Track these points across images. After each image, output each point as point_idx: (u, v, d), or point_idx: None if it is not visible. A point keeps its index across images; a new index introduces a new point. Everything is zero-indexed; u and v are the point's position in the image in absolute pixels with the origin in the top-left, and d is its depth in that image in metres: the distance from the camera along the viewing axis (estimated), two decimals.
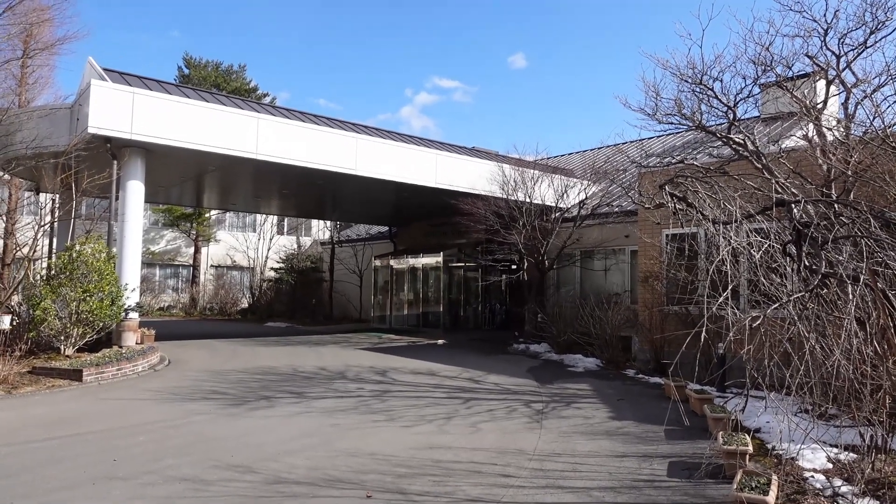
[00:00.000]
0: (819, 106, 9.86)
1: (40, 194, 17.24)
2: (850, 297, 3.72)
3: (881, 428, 4.78)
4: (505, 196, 16.61)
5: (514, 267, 19.79)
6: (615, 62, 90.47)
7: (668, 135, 19.71)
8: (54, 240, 16.12)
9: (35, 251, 12.25)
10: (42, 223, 12.35)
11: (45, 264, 13.95)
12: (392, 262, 24.00)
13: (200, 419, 7.58)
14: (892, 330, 3.71)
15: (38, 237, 12.13)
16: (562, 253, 16.60)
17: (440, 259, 21.68)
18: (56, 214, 14.31)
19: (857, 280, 3.83)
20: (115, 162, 12.63)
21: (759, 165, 8.29)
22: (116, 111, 11.99)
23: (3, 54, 17.40)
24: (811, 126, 9.57)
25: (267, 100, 36.29)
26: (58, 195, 14.71)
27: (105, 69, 13.06)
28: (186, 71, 36.42)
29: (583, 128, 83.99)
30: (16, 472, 5.33)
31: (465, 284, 22.81)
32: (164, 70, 66.76)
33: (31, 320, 10.98)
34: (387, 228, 27.13)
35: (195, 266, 32.21)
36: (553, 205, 17.11)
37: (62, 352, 11.17)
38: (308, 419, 7.62)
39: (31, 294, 11.23)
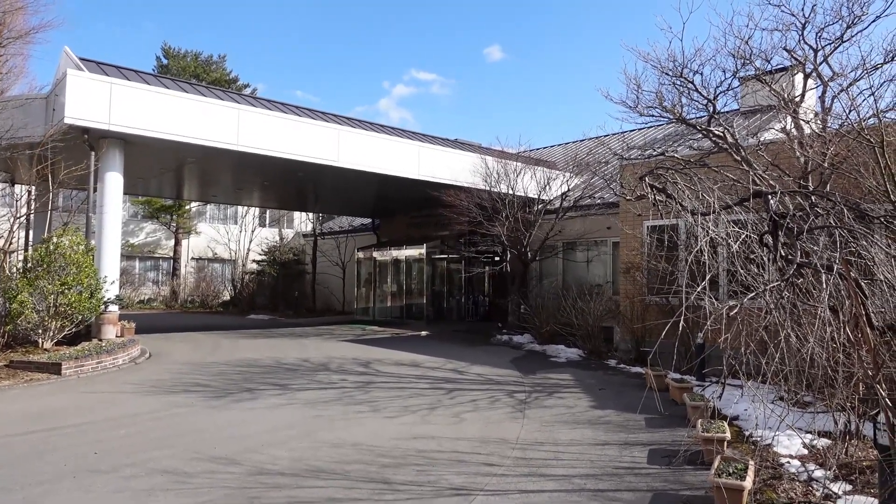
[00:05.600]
0: (797, 99, 10.01)
1: (16, 186, 16.91)
2: (825, 286, 3.80)
3: (854, 414, 4.89)
4: (488, 188, 16.65)
5: (497, 259, 19.85)
6: (595, 55, 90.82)
7: (649, 127, 19.80)
8: (31, 232, 15.86)
9: (11, 243, 12.04)
10: (18, 215, 12.14)
11: (21, 257, 13.72)
12: (375, 254, 23.95)
13: (182, 412, 7.54)
14: (865, 318, 3.80)
15: (14, 229, 11.93)
16: (544, 244, 16.69)
17: (423, 251, 21.68)
18: (32, 206, 14.06)
19: (831, 269, 3.91)
20: (93, 153, 12.44)
21: (739, 158, 8.40)
22: (93, 101, 11.80)
23: None
24: (789, 119, 9.70)
25: (247, 91, 35.90)
26: (34, 187, 14.44)
27: (82, 59, 12.83)
28: (165, 61, 35.88)
29: (564, 120, 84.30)
30: None
31: (448, 276, 22.85)
32: (141, 61, 65.64)
33: (8, 314, 10.81)
34: (370, 220, 27.05)
35: (176, 258, 31.86)
36: (536, 197, 17.18)
37: (40, 345, 11.02)
38: (291, 411, 7.62)
39: (8, 287, 11.05)
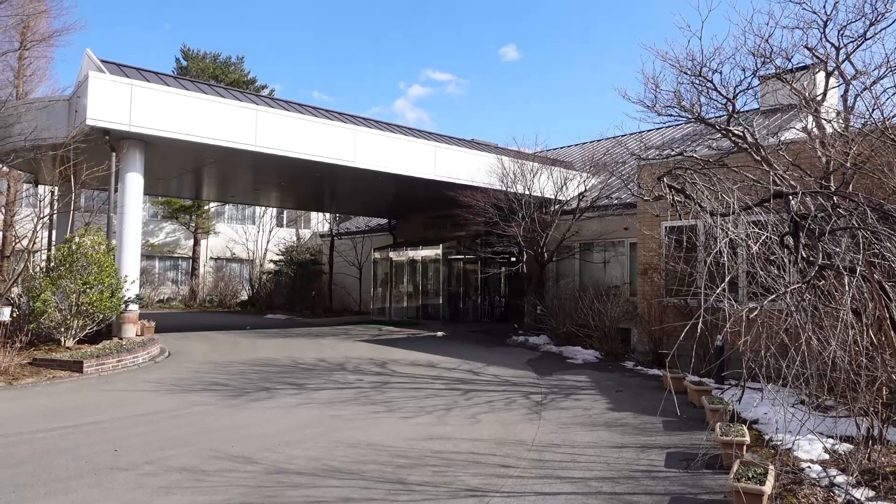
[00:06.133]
0: (818, 98, 9.84)
1: (39, 186, 17.22)
2: (847, 288, 3.74)
3: (877, 419, 4.81)
4: (504, 188, 16.60)
5: (513, 259, 19.81)
6: (612, 54, 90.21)
7: (667, 127, 19.63)
8: (53, 232, 16.12)
9: (34, 243, 12.25)
10: (41, 215, 12.36)
11: (44, 256, 13.96)
12: (391, 255, 24.01)
13: (201, 410, 7.62)
14: (889, 321, 3.74)
15: (38, 229, 12.14)
16: (561, 245, 16.62)
17: (439, 251, 21.69)
18: (55, 206, 14.30)
19: (854, 271, 3.84)
20: (114, 154, 12.61)
21: (759, 157, 8.30)
22: (115, 103, 11.96)
23: (0, 46, 17.36)
24: (810, 118, 9.56)
25: (265, 92, 36.17)
26: (57, 187, 14.70)
27: (103, 61, 13.01)
28: (184, 63, 36.30)
29: (581, 120, 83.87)
30: (18, 462, 5.37)
31: (464, 277, 22.84)
32: (161, 63, 66.53)
33: (32, 312, 11.00)
34: (386, 221, 27.13)
35: (195, 258, 32.21)
36: (552, 197, 17.10)
37: (62, 343, 11.19)
38: (308, 410, 7.66)
39: (31, 286, 11.25)
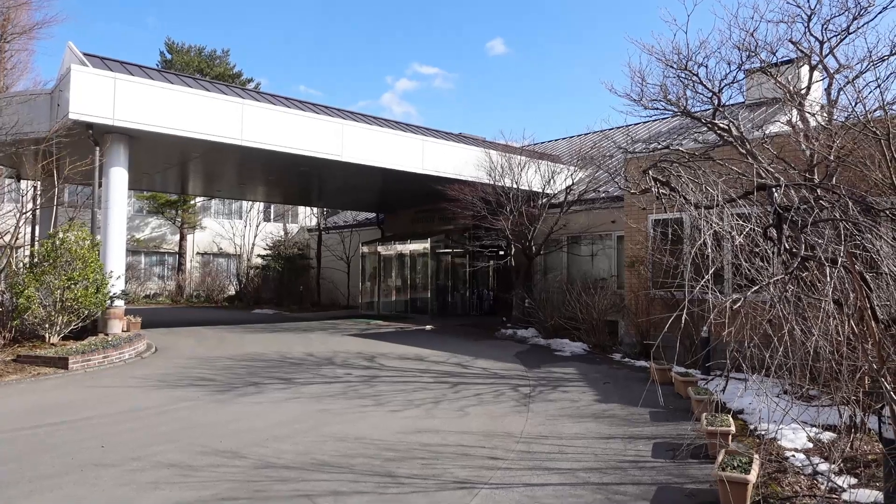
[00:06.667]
0: (802, 92, 9.93)
1: (21, 181, 16.99)
2: (829, 279, 3.79)
3: (858, 407, 4.89)
4: (492, 182, 16.63)
5: (501, 253, 19.85)
6: (599, 48, 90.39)
7: (653, 121, 19.79)
8: (37, 227, 15.93)
9: (17, 239, 12.09)
10: (24, 210, 12.19)
11: (28, 252, 13.79)
12: (380, 249, 23.97)
13: (188, 406, 7.58)
14: (869, 311, 3.79)
15: (20, 224, 11.97)
16: (549, 238, 16.68)
17: (428, 245, 21.68)
18: (38, 202, 14.12)
19: (836, 262, 3.90)
20: (98, 148, 12.48)
21: (743, 151, 8.35)
22: (98, 97, 11.82)
23: None
24: (795, 112, 9.64)
25: (251, 85, 35.84)
26: (39, 182, 14.50)
27: (86, 54, 12.85)
28: (169, 56, 35.84)
29: (569, 114, 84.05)
30: (3, 460, 5.32)
31: (452, 270, 22.84)
32: (145, 57, 65.89)
33: (15, 308, 10.88)
34: (374, 215, 27.08)
35: (181, 253, 31.95)
36: (540, 191, 17.15)
37: (47, 340, 11.09)
38: (296, 405, 7.65)
39: (15, 282, 11.12)
